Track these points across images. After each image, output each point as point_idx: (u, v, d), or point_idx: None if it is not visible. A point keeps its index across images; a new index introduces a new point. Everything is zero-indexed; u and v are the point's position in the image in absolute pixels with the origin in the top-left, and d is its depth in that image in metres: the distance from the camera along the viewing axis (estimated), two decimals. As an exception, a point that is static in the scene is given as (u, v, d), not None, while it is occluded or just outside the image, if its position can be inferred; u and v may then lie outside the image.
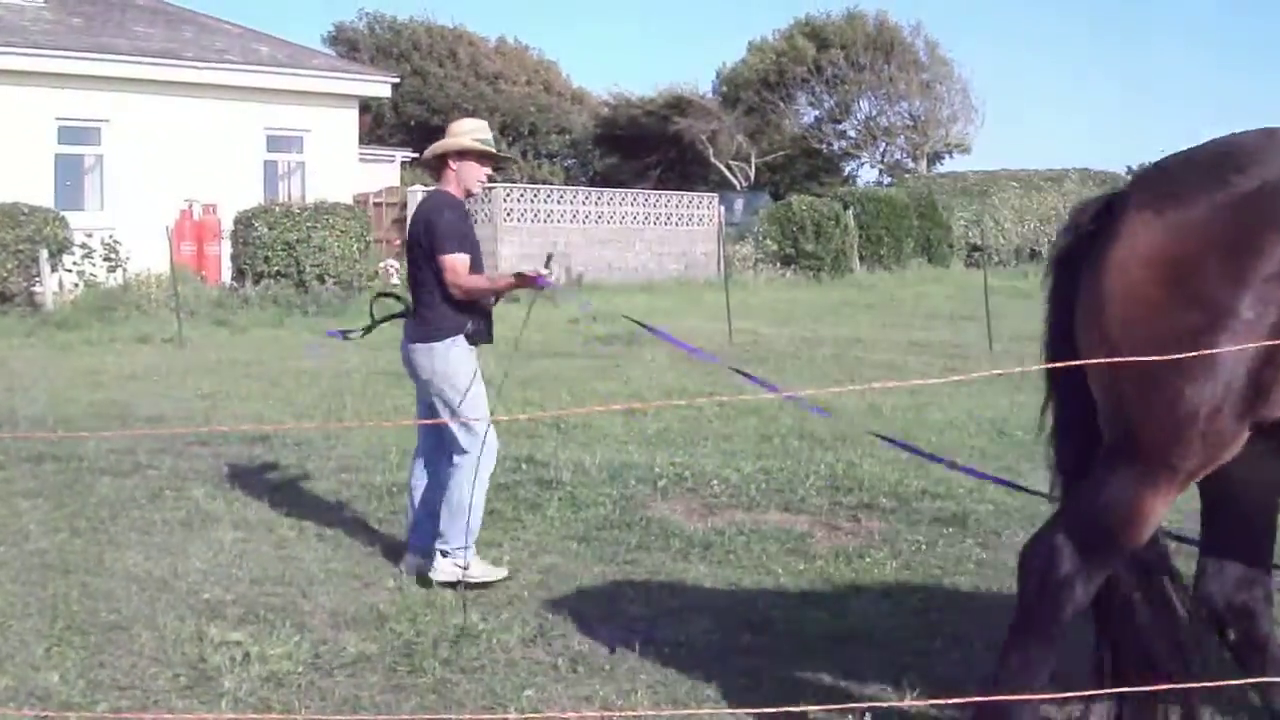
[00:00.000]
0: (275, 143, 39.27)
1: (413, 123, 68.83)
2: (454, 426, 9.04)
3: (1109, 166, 70.71)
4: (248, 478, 12.32)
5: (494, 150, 9.42)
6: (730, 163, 73.78)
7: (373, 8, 76.95)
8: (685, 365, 21.54)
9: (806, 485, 11.93)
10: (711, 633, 7.87)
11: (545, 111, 72.39)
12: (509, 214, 43.05)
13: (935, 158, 77.78)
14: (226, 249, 34.51)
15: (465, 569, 8.82)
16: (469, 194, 9.43)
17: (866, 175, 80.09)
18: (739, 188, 69.92)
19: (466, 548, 8.91)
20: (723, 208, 49.43)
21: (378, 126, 64.86)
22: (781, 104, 74.26)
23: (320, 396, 17.70)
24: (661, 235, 46.49)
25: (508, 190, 44.20)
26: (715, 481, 12.14)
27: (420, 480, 9.48)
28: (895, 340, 26.50)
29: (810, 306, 35.46)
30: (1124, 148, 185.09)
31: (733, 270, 39.99)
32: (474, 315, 9.20)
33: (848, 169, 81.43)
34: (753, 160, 74.04)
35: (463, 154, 9.22)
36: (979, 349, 24.47)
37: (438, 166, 9.45)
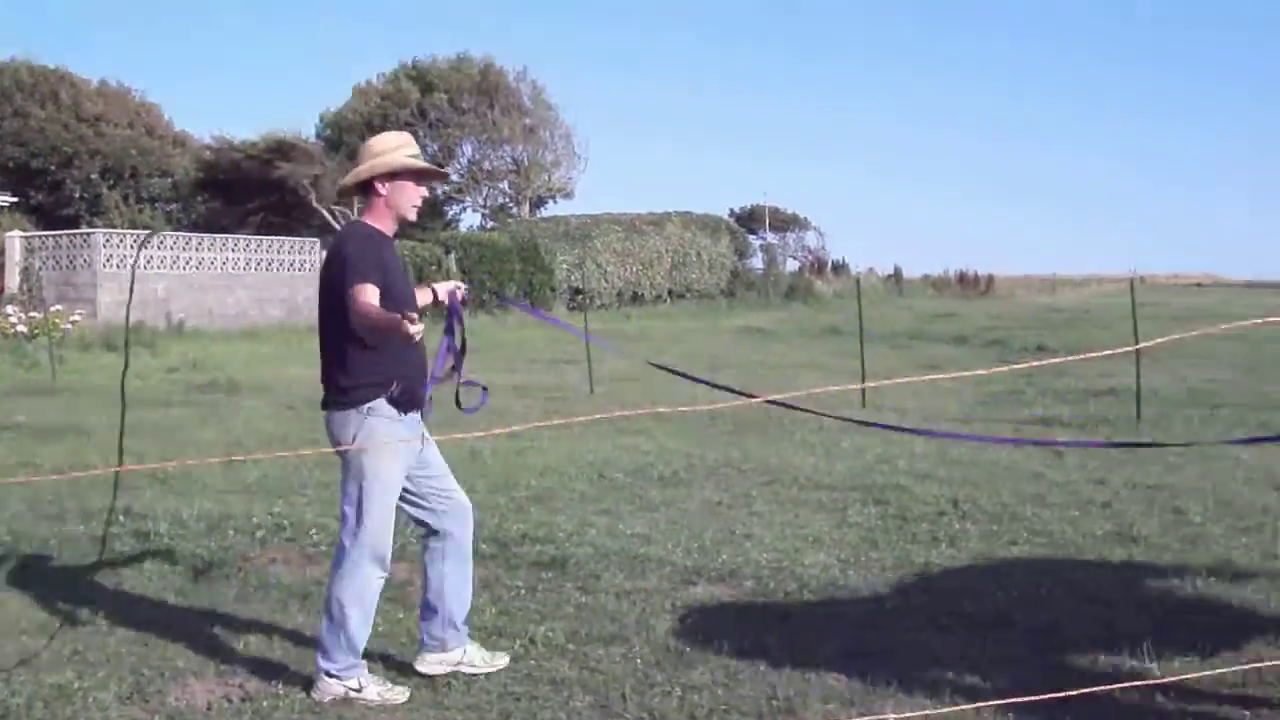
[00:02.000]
0: None
1: (12, 165, 66.96)
2: (345, 509, 7.75)
3: (711, 209, 72.27)
4: None
5: (431, 166, 8.04)
6: (333, 207, 73.26)
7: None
8: (287, 414, 21.32)
9: (406, 532, 11.84)
10: (311, 684, 7.75)
11: (147, 155, 71.07)
12: (109, 260, 42.28)
13: (539, 202, 78.54)
14: None
15: (359, 691, 7.61)
16: (403, 220, 7.94)
17: (470, 219, 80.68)
18: (342, 232, 69.59)
19: (354, 665, 7.69)
20: (324, 252, 49.16)
21: (-25, 170, 63.04)
22: (385, 148, 74.00)
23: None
24: (264, 280, 46.11)
25: (107, 236, 43.38)
26: (314, 530, 11.99)
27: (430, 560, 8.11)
28: (497, 384, 26.52)
29: (412, 351, 35.34)
30: (725, 191, 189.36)
31: (336, 315, 39.70)
32: (401, 373, 7.65)
33: (451, 213, 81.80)
34: (355, 205, 73.63)
35: (394, 175, 7.77)
36: (580, 392, 24.71)
37: (364, 194, 7.91)
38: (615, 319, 49.42)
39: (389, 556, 7.80)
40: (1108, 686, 7.32)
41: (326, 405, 7.74)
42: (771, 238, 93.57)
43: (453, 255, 47.86)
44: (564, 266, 53.66)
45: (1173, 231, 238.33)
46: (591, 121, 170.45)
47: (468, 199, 79.52)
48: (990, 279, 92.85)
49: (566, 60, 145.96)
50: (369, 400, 7.55)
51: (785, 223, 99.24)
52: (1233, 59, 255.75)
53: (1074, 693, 7.18)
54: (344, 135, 74.23)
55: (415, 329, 6.92)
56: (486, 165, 77.53)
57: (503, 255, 50.17)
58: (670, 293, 59.26)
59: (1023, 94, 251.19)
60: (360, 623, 7.65)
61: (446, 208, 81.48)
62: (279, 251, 47.53)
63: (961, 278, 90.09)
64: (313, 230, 66.61)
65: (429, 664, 7.94)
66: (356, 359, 7.54)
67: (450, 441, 16.21)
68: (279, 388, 25.87)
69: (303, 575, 10.48)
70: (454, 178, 78.65)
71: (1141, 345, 14.31)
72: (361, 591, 7.65)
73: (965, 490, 13.86)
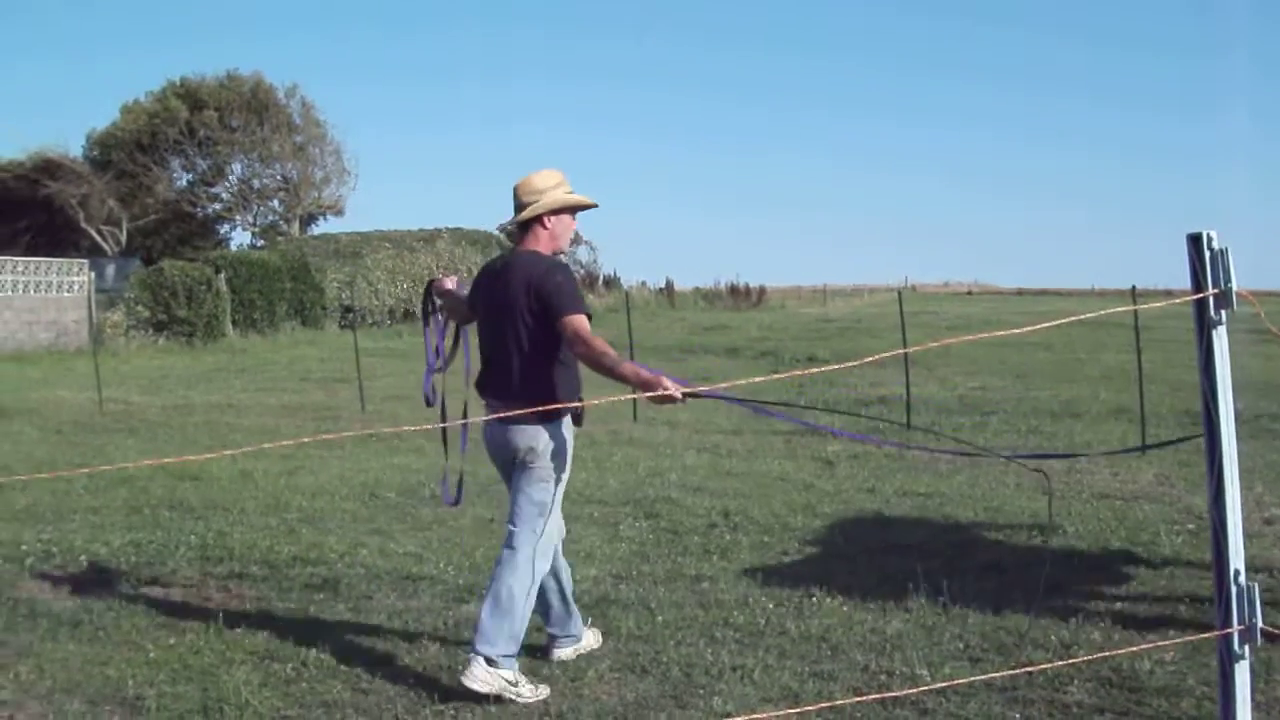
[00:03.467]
0: None
1: None
2: (525, 508, 8.20)
3: (482, 225, 72.20)
4: None
5: (587, 200, 8.59)
6: (102, 227, 72.25)
7: None
8: (54, 438, 20.92)
9: (177, 556, 11.70)
10: (84, 714, 7.59)
11: (-93, 173, 69.49)
12: None
13: (309, 219, 78.02)
14: None
15: (514, 685, 7.87)
16: (559, 252, 8.53)
17: (240, 238, 79.96)
18: (111, 253, 68.66)
19: (513, 656, 7.97)
20: (94, 274, 48.36)
21: None
22: (154, 167, 73.17)
23: None
24: (32, 304, 45.21)
25: None
26: (84, 556, 11.76)
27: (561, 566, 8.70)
28: (268, 404, 26.37)
29: (183, 373, 35.04)
30: (491, 208, 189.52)
31: (105, 338, 39.19)
32: (579, 389, 8.26)
33: (221, 232, 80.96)
34: (124, 225, 72.69)
35: (557, 210, 8.41)
36: (351, 411, 24.53)
37: (523, 228, 8.45)
38: (387, 337, 49.14)
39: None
40: (879, 695, 7.37)
41: (513, 418, 7.95)
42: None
43: (223, 275, 47.24)
44: (335, 285, 53.25)
45: (944, 240, 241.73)
46: (362, 137, 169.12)
47: (238, 217, 78.73)
48: (762, 290, 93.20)
49: (335, 76, 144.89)
50: (565, 414, 8.11)
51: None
52: (1000, 63, 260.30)
53: (846, 701, 7.24)
54: (112, 154, 73.05)
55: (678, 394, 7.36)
56: (256, 183, 76.91)
57: (273, 274, 49.62)
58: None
59: (785, 105, 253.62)
60: (526, 613, 8.03)
61: (216, 226, 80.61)
62: (47, 273, 46.61)
63: (733, 289, 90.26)
64: (82, 251, 65.54)
65: (566, 653, 8.60)
66: (558, 375, 8.07)
67: (222, 459, 16.09)
68: (47, 411, 25.37)
69: (74, 602, 10.23)
70: (224, 196, 77.96)
71: (910, 349, 14.47)
72: (533, 584, 8.08)
73: (737, 502, 13.94)
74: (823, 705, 7.22)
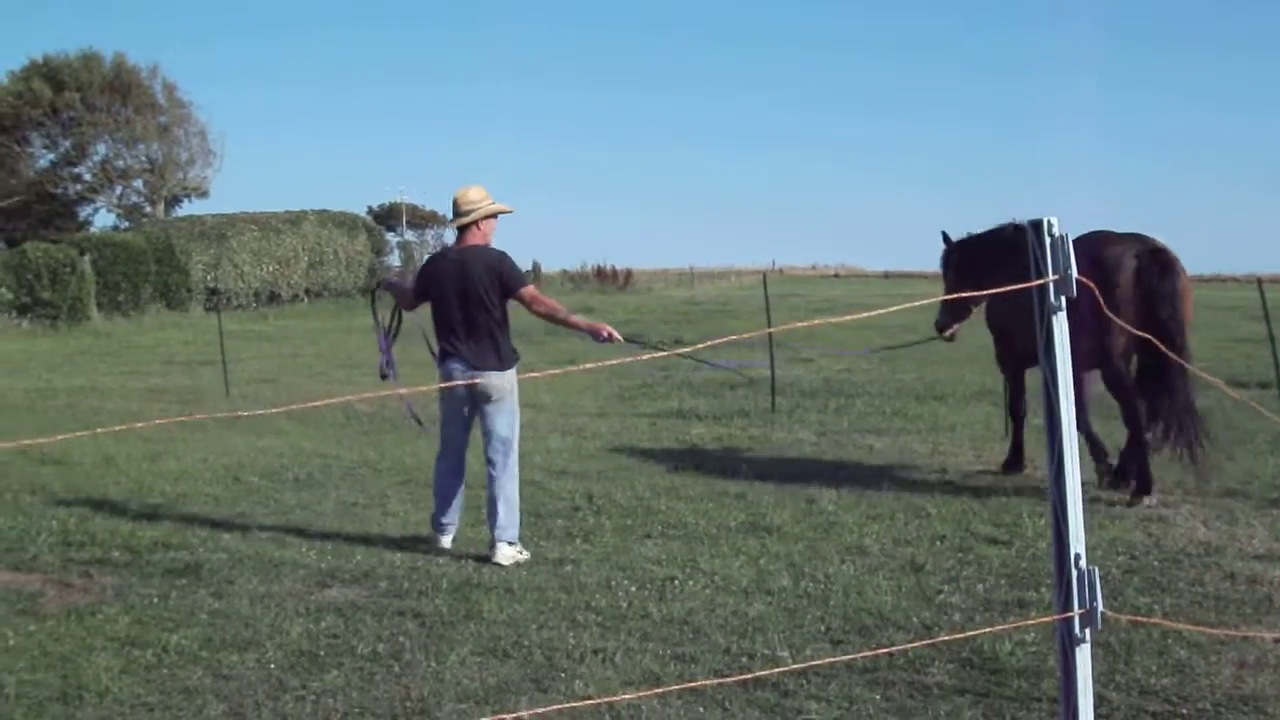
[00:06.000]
0: None
1: None
2: (506, 434, 11.27)
3: (349, 207, 71.86)
4: None
5: (505, 206, 11.68)
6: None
7: None
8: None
9: (39, 542, 11.58)
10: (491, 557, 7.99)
11: None
12: None
13: (173, 201, 77.17)
14: None
15: (522, 552, 10.99)
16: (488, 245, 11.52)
17: (104, 220, 78.92)
18: (-26, 236, 67.68)
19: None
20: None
21: None
22: (16, 147, 72.16)
23: None
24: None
25: None
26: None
27: (458, 477, 11.69)
28: (132, 388, 26.06)
29: (46, 356, 34.60)
30: (363, 188, 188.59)
31: (-33, 320, 38.61)
32: None
33: (85, 214, 79.89)
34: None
35: (488, 215, 11.47)
36: (215, 394, 24.32)
37: (465, 226, 11.38)
38: (252, 320, 48.78)
39: None
40: (740, 677, 7.42)
41: (488, 367, 11.11)
42: (410, 235, 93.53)
43: (87, 257, 46.62)
44: (200, 267, 52.66)
45: (812, 224, 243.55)
46: (227, 119, 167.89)
47: (101, 199, 77.82)
48: (628, 273, 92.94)
49: (199, 55, 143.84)
50: (517, 361, 11.36)
51: (424, 220, 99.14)
52: (867, 41, 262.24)
53: (707, 683, 7.27)
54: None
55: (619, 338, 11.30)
56: (120, 164, 76.01)
57: (138, 257, 48.98)
58: (308, 292, 58.57)
59: (653, 88, 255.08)
60: None
61: (80, 208, 79.61)
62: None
63: (599, 272, 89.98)
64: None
65: (506, 555, 10.96)
66: (509, 335, 11.34)
67: (83, 443, 15.88)
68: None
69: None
70: (86, 177, 76.99)
71: (773, 330, 14.51)
72: (519, 482, 11.54)
73: (600, 485, 13.97)
74: (683, 687, 7.25)
